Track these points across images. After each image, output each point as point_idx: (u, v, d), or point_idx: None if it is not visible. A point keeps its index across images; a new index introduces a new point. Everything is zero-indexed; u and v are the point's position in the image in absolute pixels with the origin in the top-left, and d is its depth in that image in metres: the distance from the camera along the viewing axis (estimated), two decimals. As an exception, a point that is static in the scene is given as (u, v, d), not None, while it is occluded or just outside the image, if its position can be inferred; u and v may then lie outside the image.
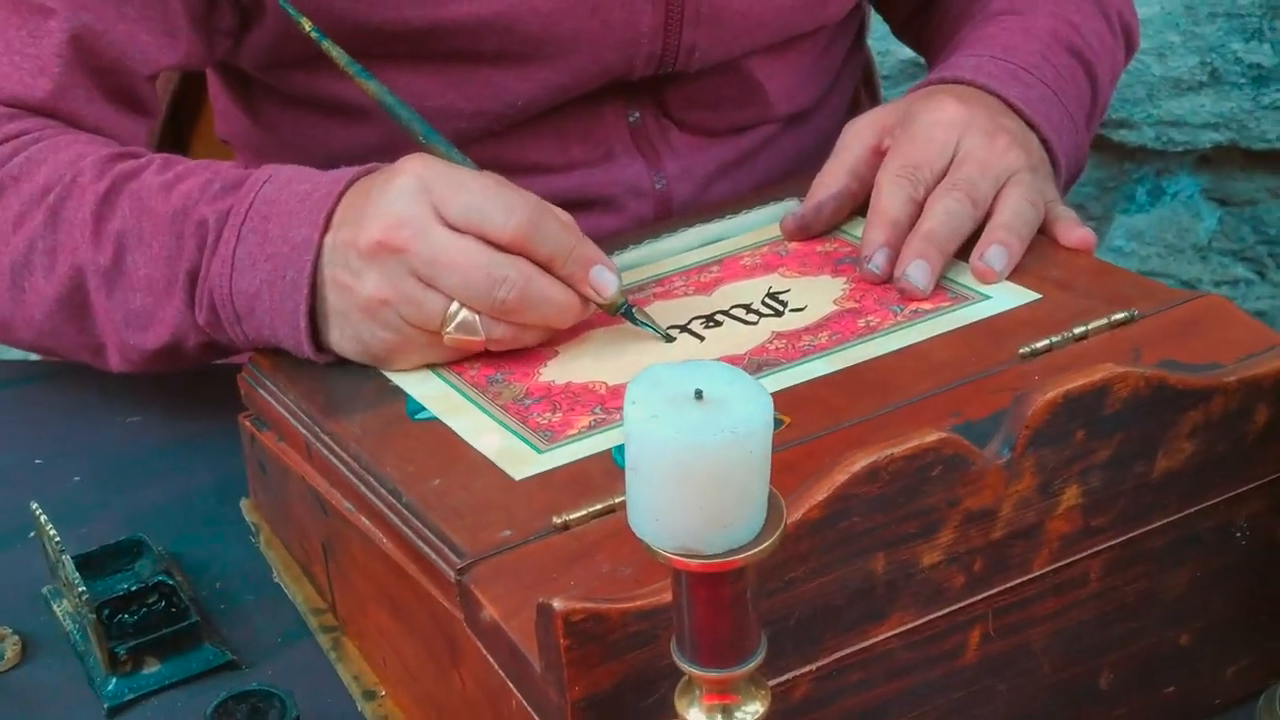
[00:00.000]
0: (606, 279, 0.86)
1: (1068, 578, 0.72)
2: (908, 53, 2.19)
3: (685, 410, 0.53)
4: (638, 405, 0.54)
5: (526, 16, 1.02)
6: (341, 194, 0.89)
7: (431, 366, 0.87)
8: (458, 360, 0.88)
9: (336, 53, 0.94)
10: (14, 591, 0.92)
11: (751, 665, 0.58)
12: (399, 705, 0.82)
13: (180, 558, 0.93)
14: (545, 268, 0.86)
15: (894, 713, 0.70)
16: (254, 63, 1.11)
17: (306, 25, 0.94)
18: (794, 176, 1.14)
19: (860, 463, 0.64)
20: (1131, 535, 0.72)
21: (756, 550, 0.55)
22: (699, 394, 0.54)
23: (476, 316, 0.85)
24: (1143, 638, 0.75)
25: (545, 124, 1.11)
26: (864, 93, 1.39)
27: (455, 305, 0.85)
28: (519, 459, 0.77)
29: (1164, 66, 2.15)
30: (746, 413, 0.53)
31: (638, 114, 1.13)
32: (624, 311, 0.88)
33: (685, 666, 0.58)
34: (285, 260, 0.89)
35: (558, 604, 0.61)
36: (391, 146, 1.07)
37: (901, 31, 1.32)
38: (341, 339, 0.89)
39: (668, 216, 1.15)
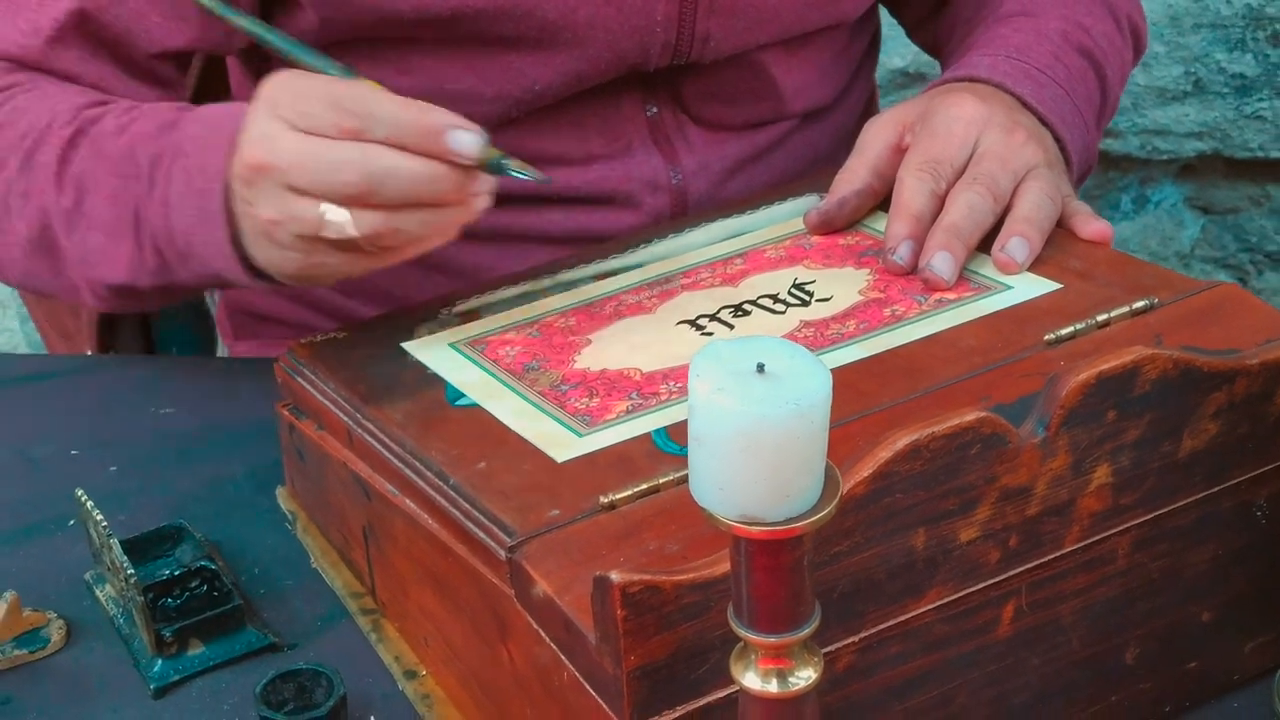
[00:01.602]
0: (464, 139, 0.84)
1: (1097, 554, 0.74)
2: (897, 62, 2.22)
3: (749, 384, 0.56)
4: (703, 379, 0.56)
5: (543, 3, 1.05)
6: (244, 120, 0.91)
7: (468, 355, 0.89)
8: (371, 273, 0.90)
9: None
10: (56, 578, 0.94)
11: (806, 631, 0.60)
12: (441, 684, 0.84)
13: (218, 545, 0.95)
14: (396, 147, 0.85)
15: (930, 684, 0.73)
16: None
17: None
18: (811, 173, 1.17)
19: (903, 440, 0.67)
20: (1158, 513, 0.75)
21: (815, 518, 0.57)
22: (761, 368, 0.56)
23: (345, 213, 0.85)
24: (1167, 614, 0.78)
25: (565, 116, 1.13)
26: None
27: (324, 206, 0.85)
28: (560, 443, 0.79)
29: (1149, 76, 2.18)
30: (808, 386, 0.55)
31: (655, 108, 1.16)
32: (495, 166, 0.86)
33: (742, 632, 0.60)
34: (204, 193, 0.92)
35: (615, 576, 0.63)
36: None
37: (915, 34, 1.34)
38: (266, 263, 0.92)
39: (684, 211, 1.17)
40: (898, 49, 2.18)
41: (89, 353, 1.25)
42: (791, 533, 0.57)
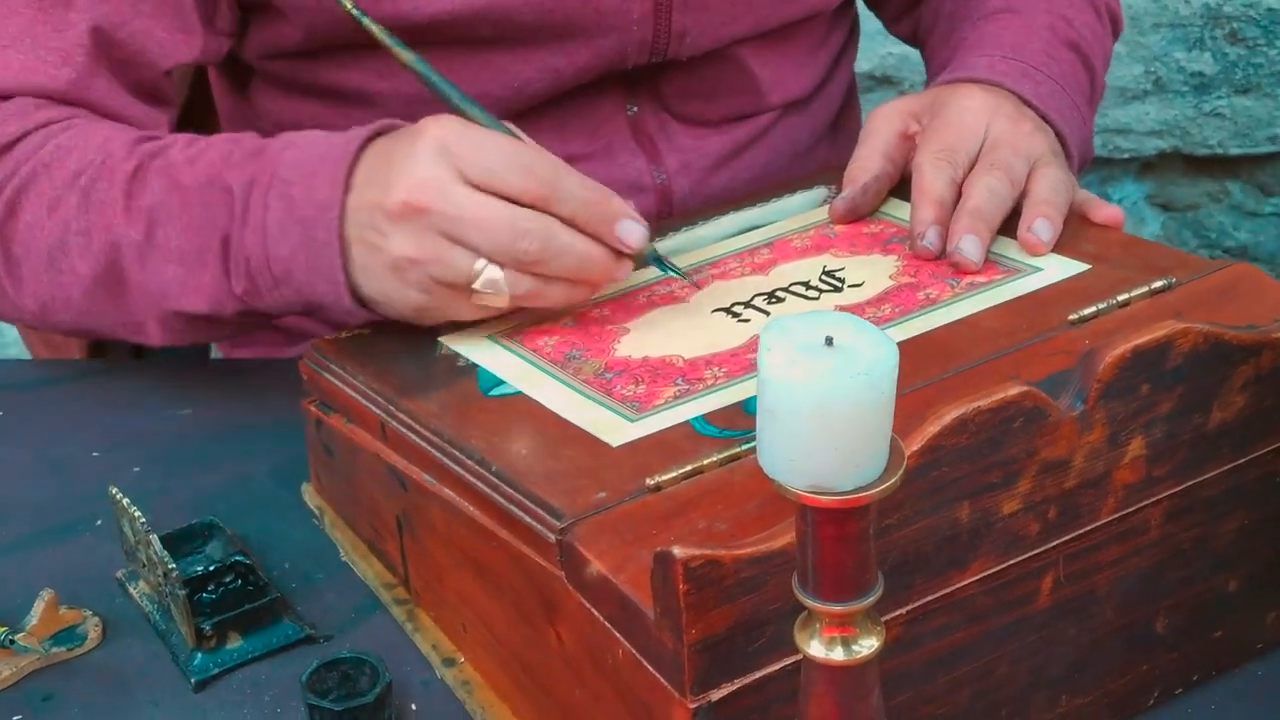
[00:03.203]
0: (631, 230, 0.89)
1: (1131, 525, 0.76)
2: (864, 65, 2.24)
3: (819, 356, 0.57)
4: (773, 352, 0.57)
5: (520, 7, 1.07)
6: (358, 152, 0.93)
7: (507, 346, 0.91)
8: (486, 320, 0.92)
9: (377, 29, 0.97)
10: (87, 577, 0.94)
11: (870, 600, 0.61)
12: (480, 670, 0.85)
13: (246, 541, 0.96)
14: (569, 224, 0.89)
15: (973, 655, 0.74)
16: (257, 54, 1.15)
17: (348, 3, 0.98)
18: (804, 168, 1.19)
19: (950, 415, 0.68)
20: (1188, 484, 0.77)
21: (883, 487, 0.58)
22: (829, 341, 0.58)
23: (502, 273, 0.88)
24: (1195, 584, 0.80)
25: (546, 117, 1.14)
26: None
27: (481, 262, 0.88)
28: (613, 428, 0.81)
29: (1109, 75, 2.21)
30: (877, 356, 0.57)
31: (636, 107, 1.17)
32: (653, 260, 0.91)
33: (807, 601, 0.61)
34: (313, 221, 0.92)
35: (678, 551, 0.64)
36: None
37: (894, 26, 1.36)
38: (370, 294, 0.93)
39: (669, 211, 1.19)
40: (863, 53, 2.20)
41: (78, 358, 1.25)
42: (859, 502, 0.58)
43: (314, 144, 0.95)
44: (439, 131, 0.90)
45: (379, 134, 0.94)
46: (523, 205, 0.88)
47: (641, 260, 0.91)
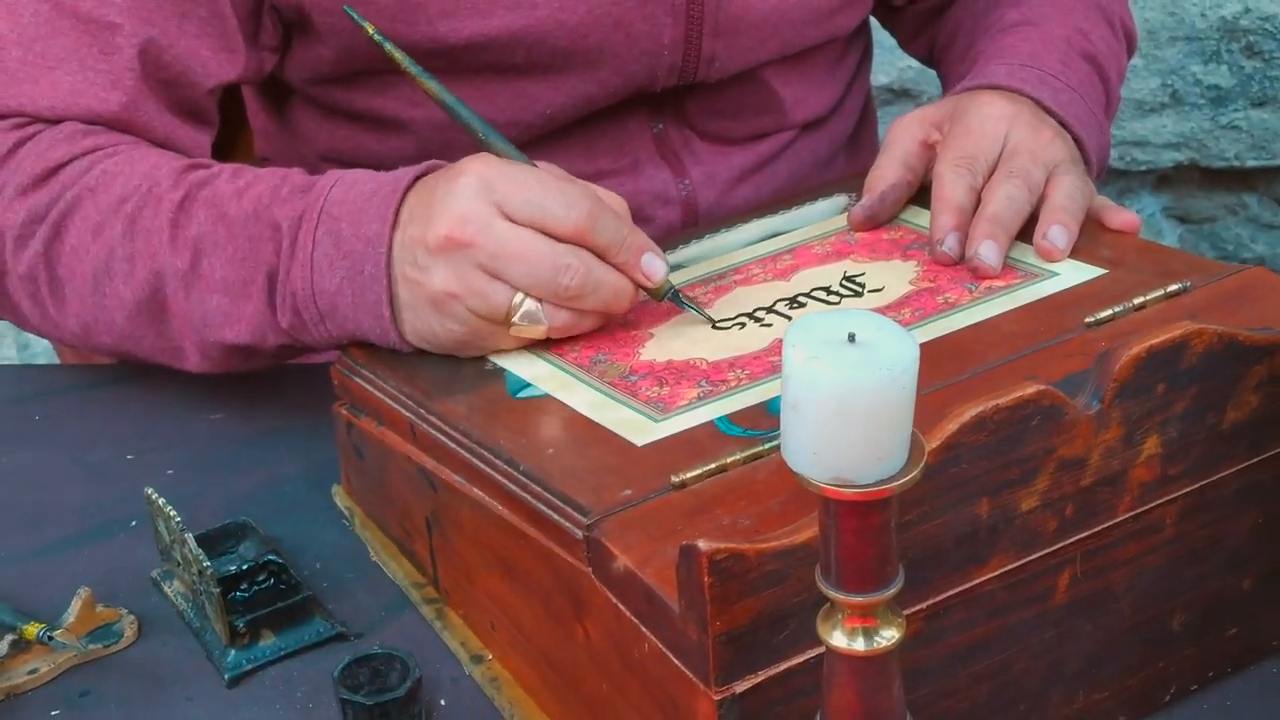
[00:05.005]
0: (655, 265, 0.92)
1: (1146, 523, 0.78)
2: (882, 79, 2.26)
3: (842, 351, 0.59)
4: (798, 348, 0.59)
5: (555, 31, 1.08)
6: (406, 191, 0.94)
7: (535, 350, 0.93)
8: (539, 344, 0.93)
9: (400, 55, 0.99)
10: (123, 577, 0.96)
11: (891, 591, 0.63)
12: (508, 667, 0.87)
13: (278, 542, 0.98)
14: (601, 256, 0.91)
15: (991, 651, 0.76)
16: (298, 77, 1.16)
17: (370, 29, 0.99)
18: (826, 178, 1.20)
19: (970, 413, 0.70)
20: (1203, 483, 0.78)
21: (904, 480, 0.60)
22: (852, 337, 0.59)
23: (540, 305, 0.90)
24: (1210, 581, 0.81)
25: (574, 135, 1.16)
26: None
27: (520, 296, 0.90)
28: (638, 428, 0.83)
29: (1127, 88, 2.23)
30: (898, 353, 0.59)
31: (661, 125, 1.19)
32: (670, 296, 0.93)
33: (830, 592, 0.63)
34: (361, 256, 0.94)
35: (702, 545, 0.66)
36: (426, 157, 1.13)
37: (909, 45, 1.38)
38: (413, 330, 0.94)
39: (694, 222, 1.21)
40: (882, 66, 2.23)
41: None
42: (881, 494, 0.60)
43: (362, 182, 0.96)
44: (480, 167, 0.92)
45: (426, 173, 0.96)
46: (561, 238, 0.90)
47: (659, 295, 0.93)
